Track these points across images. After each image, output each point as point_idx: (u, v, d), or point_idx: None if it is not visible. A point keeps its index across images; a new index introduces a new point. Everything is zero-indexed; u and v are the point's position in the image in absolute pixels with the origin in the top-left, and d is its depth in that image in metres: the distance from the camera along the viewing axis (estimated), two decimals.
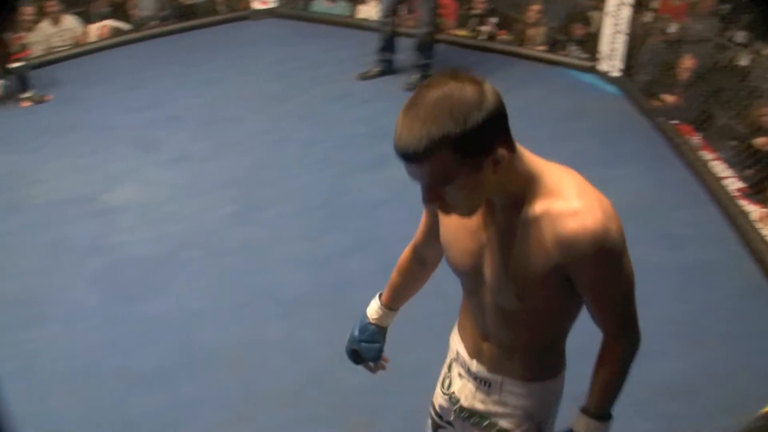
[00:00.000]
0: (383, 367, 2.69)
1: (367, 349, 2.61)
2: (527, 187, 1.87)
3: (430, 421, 2.62)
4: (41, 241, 5.72)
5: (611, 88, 7.66)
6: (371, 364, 2.65)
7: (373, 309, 2.62)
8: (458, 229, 2.07)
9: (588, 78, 7.83)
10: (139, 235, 5.68)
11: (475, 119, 1.66)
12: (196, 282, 5.16)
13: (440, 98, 1.67)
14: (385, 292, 2.61)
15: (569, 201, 1.83)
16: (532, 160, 1.90)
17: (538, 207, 1.86)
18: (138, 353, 4.59)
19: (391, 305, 2.60)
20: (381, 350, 2.63)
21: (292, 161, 6.58)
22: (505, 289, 2.00)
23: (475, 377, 2.32)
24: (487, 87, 1.72)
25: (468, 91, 1.68)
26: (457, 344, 2.42)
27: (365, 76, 7.96)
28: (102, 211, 6.02)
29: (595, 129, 6.81)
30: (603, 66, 7.87)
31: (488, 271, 2.03)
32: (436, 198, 1.83)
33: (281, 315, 4.78)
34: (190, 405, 4.18)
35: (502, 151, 1.73)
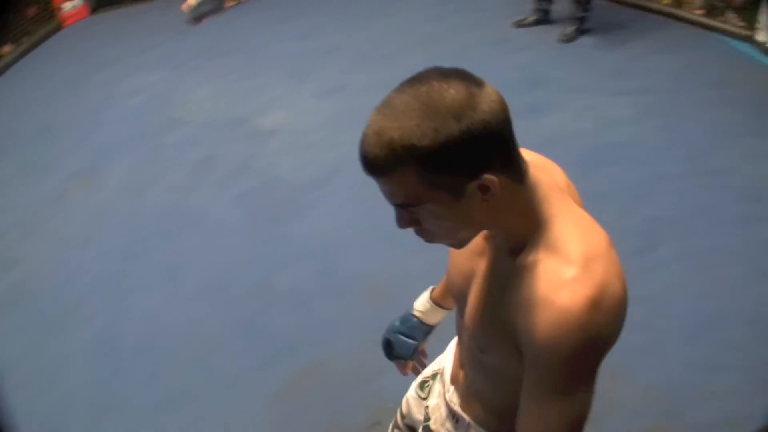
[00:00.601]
0: (417, 371, 2.44)
1: (401, 343, 2.36)
2: (531, 232, 1.49)
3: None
4: (193, 158, 5.97)
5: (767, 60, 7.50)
6: (402, 361, 2.41)
7: (421, 301, 2.35)
8: None
9: (744, 47, 7.63)
10: (288, 159, 5.82)
11: (449, 132, 1.31)
12: (341, 210, 5.25)
13: (414, 99, 1.35)
14: (439, 286, 2.32)
15: (566, 264, 1.42)
16: (550, 198, 1.51)
17: (531, 259, 1.46)
18: (278, 272, 4.74)
19: (441, 302, 2.31)
20: (416, 349, 2.37)
21: None
22: (473, 331, 1.70)
23: (448, 405, 2.08)
24: (485, 94, 1.37)
25: (451, 94, 1.34)
26: (447, 358, 2.21)
27: (521, 24, 7.84)
28: (253, 134, 6.19)
29: (744, 99, 6.66)
30: (761, 36, 7.69)
31: (469, 304, 1.72)
32: (411, 222, 1.50)
33: (424, 250, 4.85)
34: (324, 327, 4.30)
35: (490, 178, 1.37)
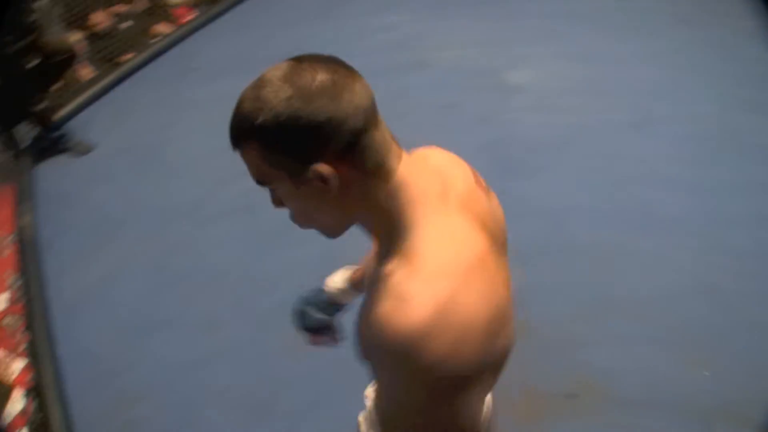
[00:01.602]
0: (330, 343, 2.30)
1: (311, 317, 2.27)
2: (395, 237, 1.42)
3: None
4: (438, 102, 6.00)
5: None
6: (311, 334, 2.30)
7: (336, 280, 2.26)
8: None
9: None
10: (531, 117, 5.75)
11: (292, 114, 1.32)
12: (574, 176, 5.15)
13: (281, 77, 1.36)
14: (360, 269, 2.21)
15: (408, 279, 1.33)
16: (417, 203, 1.43)
17: (388, 268, 1.39)
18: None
19: (358, 286, 2.21)
20: (327, 324, 2.27)
21: (689, 88, 6.17)
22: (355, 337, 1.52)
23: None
24: (352, 87, 1.39)
25: (316, 80, 1.36)
26: None
27: None
28: (499, 87, 6.15)
29: None
30: None
31: None
32: (276, 201, 1.50)
33: (655, 230, 4.68)
34: (541, 290, 4.22)
35: (322, 168, 1.35)
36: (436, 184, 1.48)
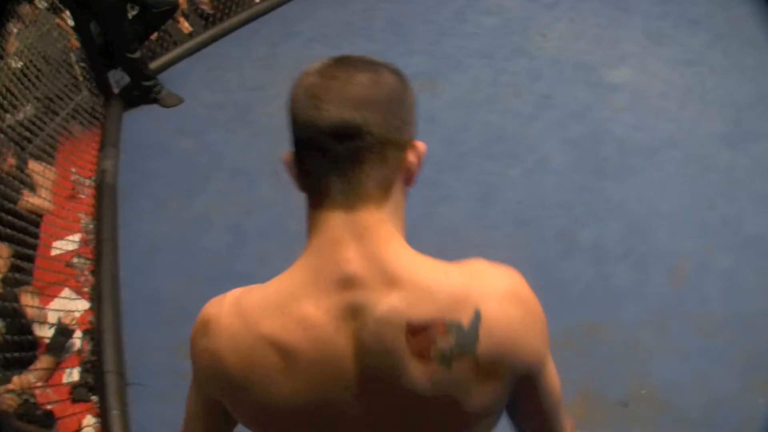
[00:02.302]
0: None
1: None
2: None
3: None
4: (536, 91, 5.98)
5: None
6: None
7: None
8: None
9: None
10: (627, 117, 5.65)
11: (291, 106, 1.40)
12: (665, 183, 5.05)
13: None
14: None
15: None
16: (314, 242, 1.34)
17: None
18: (585, 225, 4.73)
19: None
20: None
21: None
22: None
23: None
24: (341, 100, 1.31)
25: (351, 81, 1.35)
26: None
27: None
28: (598, 83, 6.05)
29: None
30: None
31: None
32: None
33: (735, 249, 4.55)
34: (614, 292, 4.24)
35: (285, 158, 1.41)
36: (336, 272, 1.30)
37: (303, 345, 1.28)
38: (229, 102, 6.26)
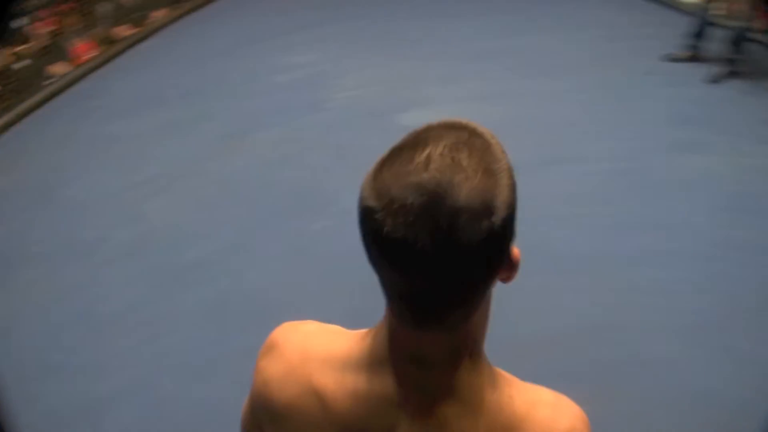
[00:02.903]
0: None
1: None
2: None
3: None
4: (330, 142, 6.14)
5: None
6: None
7: None
8: None
9: None
10: None
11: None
12: None
13: None
14: None
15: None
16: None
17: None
18: None
19: None
20: None
21: (592, 125, 6.55)
22: None
23: None
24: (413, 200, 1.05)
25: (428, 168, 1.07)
26: None
27: (672, 58, 7.76)
28: (393, 128, 6.17)
29: None
30: None
31: None
32: None
33: (559, 268, 4.80)
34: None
35: None
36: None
37: (347, 414, 1.23)
38: (32, 184, 6.13)
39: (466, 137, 1.11)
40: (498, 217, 1.04)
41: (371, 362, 1.21)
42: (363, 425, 1.23)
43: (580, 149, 6.14)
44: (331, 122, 6.38)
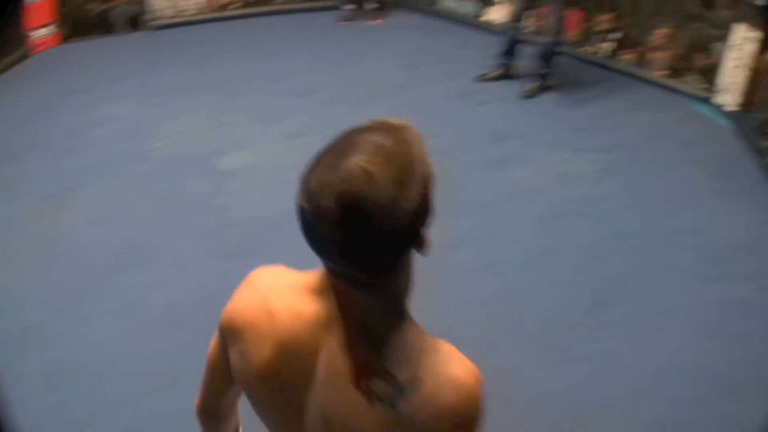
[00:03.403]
0: None
1: None
2: None
3: None
4: (154, 192, 6.04)
5: (725, 122, 7.62)
6: None
7: None
8: None
9: (704, 109, 7.80)
10: (248, 199, 5.91)
11: None
12: (297, 253, 5.23)
13: None
14: None
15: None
16: None
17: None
18: None
19: None
20: None
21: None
22: None
23: None
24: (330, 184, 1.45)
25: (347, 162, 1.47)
26: None
27: (484, 78, 8.00)
28: (214, 171, 6.28)
29: (705, 160, 6.82)
30: (720, 99, 7.83)
31: None
32: None
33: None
34: None
35: None
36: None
37: (286, 330, 1.61)
38: None
39: (389, 144, 1.47)
40: (400, 221, 1.42)
41: (315, 291, 1.61)
42: (296, 341, 1.60)
43: None
44: (154, 171, 6.27)
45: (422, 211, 1.48)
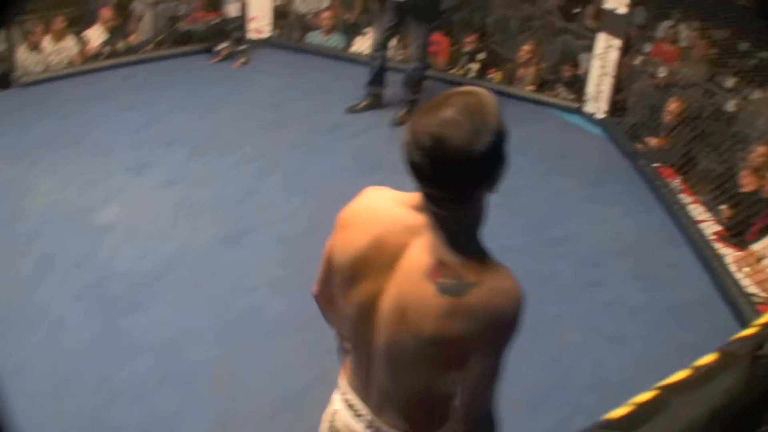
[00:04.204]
0: None
1: None
2: None
3: None
4: (31, 253, 5.81)
5: (596, 130, 7.81)
6: None
7: None
8: None
9: (574, 119, 7.98)
10: (127, 253, 5.76)
11: None
12: (181, 301, 5.24)
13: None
14: None
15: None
16: None
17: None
18: (119, 367, 4.69)
19: None
20: None
21: (280, 189, 6.69)
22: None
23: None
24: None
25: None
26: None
27: (354, 110, 8.05)
28: (92, 227, 6.09)
29: (580, 169, 6.96)
30: (589, 107, 8.01)
31: None
32: None
33: (264, 337, 4.90)
34: (169, 420, 4.28)
35: None
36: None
37: (382, 228, 2.13)
38: None
39: (473, 103, 1.96)
40: (474, 159, 1.92)
41: (412, 205, 2.11)
42: (389, 238, 2.10)
43: (267, 216, 6.29)
44: (32, 232, 6.04)
45: (493, 155, 1.97)
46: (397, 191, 2.20)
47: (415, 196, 2.10)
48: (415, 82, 7.82)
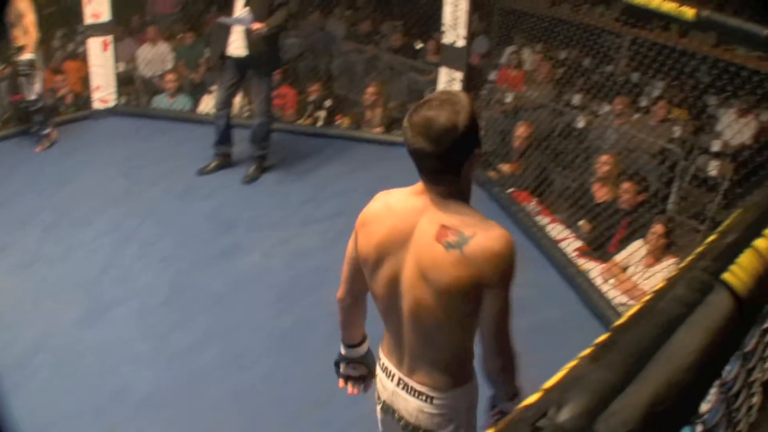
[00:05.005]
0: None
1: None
2: None
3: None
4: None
5: None
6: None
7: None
8: None
9: None
10: None
11: None
12: (47, 388, 5.10)
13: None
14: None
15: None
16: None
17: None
18: None
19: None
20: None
21: (136, 260, 6.61)
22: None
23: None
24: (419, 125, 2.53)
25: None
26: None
27: (204, 171, 8.03)
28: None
29: None
30: None
31: None
32: None
33: (133, 416, 4.81)
34: None
35: None
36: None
37: (397, 217, 2.67)
38: None
39: (450, 97, 2.52)
40: (458, 135, 2.46)
41: (418, 193, 2.64)
42: (403, 222, 2.64)
43: (126, 289, 6.20)
44: None
45: (472, 129, 2.51)
46: (402, 188, 2.74)
47: (417, 186, 2.65)
48: (262, 137, 7.85)
